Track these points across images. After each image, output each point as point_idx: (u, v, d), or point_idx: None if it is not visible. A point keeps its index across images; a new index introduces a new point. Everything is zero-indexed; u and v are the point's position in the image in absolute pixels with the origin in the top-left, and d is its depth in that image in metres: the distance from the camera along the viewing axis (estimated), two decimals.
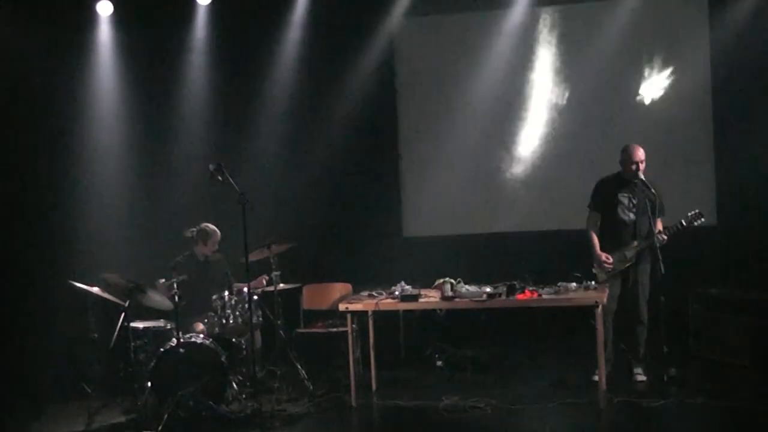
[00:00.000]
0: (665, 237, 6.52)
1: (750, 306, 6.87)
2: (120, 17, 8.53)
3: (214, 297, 6.74)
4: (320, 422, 6.25)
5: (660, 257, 6.36)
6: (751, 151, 8.26)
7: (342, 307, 6.58)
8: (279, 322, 7.11)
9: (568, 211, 8.60)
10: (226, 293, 6.77)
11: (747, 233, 8.14)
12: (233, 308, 6.72)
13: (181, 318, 6.42)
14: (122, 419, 6.42)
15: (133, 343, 6.43)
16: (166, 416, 6.05)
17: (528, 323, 7.90)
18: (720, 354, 7.01)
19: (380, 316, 6.85)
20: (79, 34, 8.44)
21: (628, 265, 6.66)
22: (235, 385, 6.53)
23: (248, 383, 6.58)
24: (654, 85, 8.70)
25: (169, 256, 7.19)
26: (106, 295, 6.58)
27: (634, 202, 6.66)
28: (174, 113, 8.84)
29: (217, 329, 6.69)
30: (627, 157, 6.67)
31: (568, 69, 8.88)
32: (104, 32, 8.58)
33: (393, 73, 9.19)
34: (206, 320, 6.75)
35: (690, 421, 5.88)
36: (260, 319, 6.95)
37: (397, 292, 6.59)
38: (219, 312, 6.71)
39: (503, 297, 6.28)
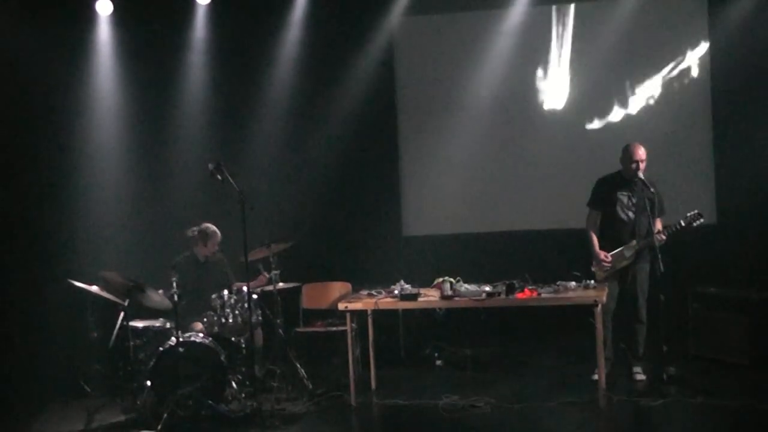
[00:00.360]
0: (664, 237, 6.52)
1: (749, 305, 6.87)
2: (120, 16, 8.52)
3: (214, 296, 6.74)
4: (320, 421, 6.25)
5: (659, 256, 6.36)
6: (750, 150, 8.27)
7: (341, 306, 6.58)
8: (278, 321, 7.10)
9: (568, 209, 8.61)
10: (226, 292, 6.77)
11: (746, 232, 8.15)
12: (233, 307, 6.72)
13: (181, 318, 6.42)
14: (122, 418, 6.41)
15: (132, 343, 6.43)
16: (165, 415, 6.05)
17: (527, 322, 7.90)
18: (719, 353, 7.01)
19: (380, 315, 6.85)
20: (78, 33, 8.44)
21: (627, 264, 6.66)
22: (234, 385, 6.52)
23: (248, 382, 6.58)
24: (653, 84, 8.71)
25: (168, 255, 7.20)
26: (105, 294, 6.58)
27: (634, 201, 6.66)
28: (173, 112, 8.85)
29: (216, 328, 6.69)
30: (627, 156, 6.67)
31: (568, 68, 8.88)
32: (104, 31, 8.57)
33: (392, 73, 9.19)
34: (205, 319, 6.75)
35: (689, 420, 5.88)
36: (260, 318, 6.95)
37: (396, 291, 6.58)
38: (218, 311, 6.71)
39: (502, 296, 6.28)
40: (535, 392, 6.56)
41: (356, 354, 6.88)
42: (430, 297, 6.51)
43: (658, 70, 8.69)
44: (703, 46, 8.58)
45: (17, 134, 8.03)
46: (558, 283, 6.41)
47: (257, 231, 6.75)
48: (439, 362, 7.59)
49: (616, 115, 8.79)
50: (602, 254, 6.65)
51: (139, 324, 6.70)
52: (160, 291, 6.69)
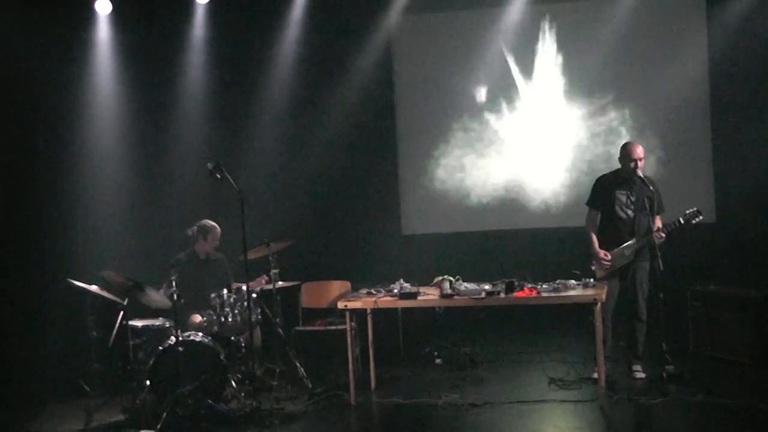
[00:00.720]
0: (664, 235, 6.51)
1: (749, 303, 6.86)
2: (119, 16, 8.54)
3: (213, 295, 6.73)
4: (319, 420, 6.25)
5: (659, 254, 6.35)
6: (749, 148, 8.28)
7: (341, 305, 6.57)
8: (278, 320, 7.10)
9: (567, 208, 8.64)
10: (225, 291, 6.76)
11: (745, 230, 8.17)
12: (232, 306, 6.71)
13: (180, 316, 6.42)
14: (121, 417, 6.40)
15: (131, 342, 6.43)
16: (164, 414, 6.04)
17: (527, 321, 7.91)
18: (719, 351, 7.00)
19: (379, 313, 6.84)
20: (77, 32, 8.46)
21: (626, 262, 6.66)
22: (234, 384, 6.52)
23: (247, 381, 6.57)
24: (652, 83, 8.71)
25: (167, 254, 7.20)
26: (104, 294, 6.57)
27: (633, 199, 6.65)
28: (173, 111, 8.85)
29: (216, 327, 6.68)
30: (626, 154, 6.66)
31: (566, 66, 8.89)
32: (103, 30, 8.59)
33: (391, 71, 9.20)
34: (205, 318, 6.75)
35: (689, 419, 5.88)
36: (259, 317, 6.94)
37: (396, 290, 6.57)
38: (218, 310, 6.71)
39: (502, 294, 6.27)
40: (534, 391, 6.56)
41: (356, 353, 6.87)
42: (429, 296, 6.50)
43: (657, 69, 8.70)
44: (702, 45, 8.58)
45: (16, 133, 8.03)
46: (558, 281, 6.40)
47: (257, 230, 6.74)
48: (438, 361, 7.59)
49: (615, 113, 8.80)
50: (602, 253, 6.65)
51: (139, 323, 6.69)
52: (160, 290, 6.70)
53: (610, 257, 6.63)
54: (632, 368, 6.75)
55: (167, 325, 6.64)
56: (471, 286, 6.45)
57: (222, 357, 6.40)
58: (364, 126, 8.98)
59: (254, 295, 6.79)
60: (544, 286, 6.36)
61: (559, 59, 8.91)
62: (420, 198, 9.26)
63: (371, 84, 8.96)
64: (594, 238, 6.75)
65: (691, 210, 6.59)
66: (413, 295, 6.47)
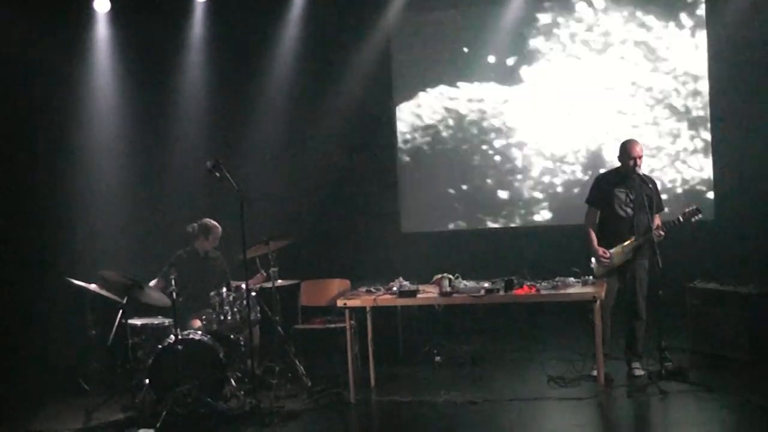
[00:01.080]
0: (663, 233, 6.51)
1: (747, 300, 6.87)
2: (117, 14, 8.53)
3: (212, 294, 6.73)
4: (319, 418, 6.24)
5: (658, 252, 6.36)
6: (748, 146, 8.29)
7: (340, 303, 6.57)
8: (277, 318, 7.10)
9: (567, 206, 8.64)
10: (224, 290, 6.76)
11: (744, 228, 8.17)
12: (231, 305, 6.71)
13: (179, 314, 6.41)
14: (120, 416, 6.39)
15: (131, 340, 6.43)
16: (164, 413, 6.03)
17: (526, 318, 7.91)
18: (718, 348, 7.01)
19: (378, 312, 6.85)
20: (76, 30, 8.45)
21: (625, 260, 6.66)
22: (233, 382, 6.52)
23: (246, 380, 6.57)
24: (652, 81, 8.71)
25: (167, 253, 7.19)
26: (104, 292, 6.57)
27: (632, 197, 6.65)
28: (172, 110, 8.86)
29: (215, 326, 6.69)
30: (625, 152, 6.66)
31: (566, 65, 8.90)
32: (102, 29, 8.58)
33: (390, 69, 9.20)
34: (204, 317, 6.75)
35: (688, 416, 5.87)
36: (258, 315, 6.95)
37: (395, 288, 6.57)
38: (217, 309, 6.71)
39: (501, 292, 6.27)
40: (533, 388, 6.56)
41: (355, 351, 6.87)
42: (428, 294, 6.50)
43: (656, 66, 8.70)
44: (702, 43, 8.59)
45: (15, 132, 8.03)
46: (557, 279, 6.40)
47: (256, 228, 6.74)
48: (438, 359, 7.58)
49: (615, 111, 8.80)
50: (601, 250, 6.65)
51: (138, 322, 6.69)
52: (156, 280, 6.69)
53: (609, 255, 6.63)
54: (631, 366, 6.75)
55: (166, 324, 6.63)
56: (470, 283, 6.45)
57: (221, 355, 6.40)
58: (364, 124, 8.98)
59: (253, 294, 6.79)
60: (543, 283, 6.37)
61: (558, 57, 8.91)
62: (419, 196, 9.26)
63: (370, 82, 8.96)
64: (593, 235, 6.75)
65: (690, 208, 6.59)
66: (412, 293, 6.47)
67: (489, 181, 9.09)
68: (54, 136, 8.34)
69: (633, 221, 6.65)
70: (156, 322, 6.73)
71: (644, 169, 6.74)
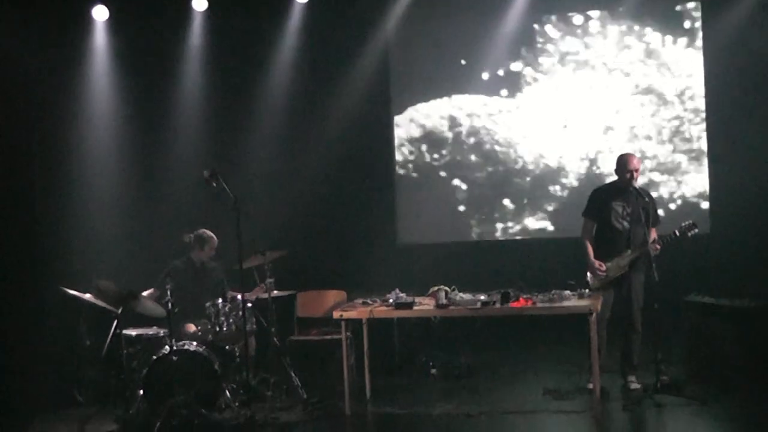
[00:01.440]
0: (659, 246, 6.52)
1: (743, 314, 6.88)
2: (116, 22, 8.53)
3: (208, 304, 6.72)
4: (314, 430, 6.24)
5: (654, 266, 6.37)
6: (744, 159, 8.30)
7: (336, 314, 6.56)
8: (273, 329, 7.09)
9: (563, 218, 8.66)
10: (220, 300, 6.75)
11: (740, 241, 8.17)
12: (227, 315, 6.70)
13: (175, 325, 6.39)
14: (114, 427, 6.35)
15: (125, 351, 6.40)
16: (158, 424, 6.02)
17: (522, 331, 7.90)
18: (713, 362, 7.00)
19: (374, 323, 6.83)
20: (75, 38, 8.45)
21: (622, 273, 6.66)
22: (228, 393, 6.49)
23: (241, 391, 6.55)
24: (649, 94, 8.74)
25: (162, 262, 7.18)
26: (98, 302, 6.55)
27: (628, 210, 6.67)
28: (169, 119, 8.85)
29: (210, 336, 6.67)
30: (622, 165, 6.68)
31: (562, 77, 8.92)
32: (100, 37, 8.59)
33: (388, 80, 9.22)
34: (199, 327, 6.73)
35: (683, 429, 5.88)
36: (254, 326, 6.93)
37: (391, 300, 6.57)
38: (213, 319, 6.70)
39: (497, 305, 6.27)
40: (529, 401, 6.55)
41: (351, 362, 6.86)
42: (425, 306, 6.50)
43: (652, 78, 8.74)
44: (697, 54, 8.63)
45: (12, 139, 8.00)
46: (553, 291, 6.40)
47: (253, 238, 6.73)
48: (433, 371, 7.57)
49: (611, 124, 8.83)
50: (597, 263, 6.66)
51: (133, 332, 6.67)
52: (151, 290, 6.67)
53: (605, 268, 6.64)
54: (627, 379, 6.75)
55: (161, 334, 6.62)
56: (466, 296, 6.45)
57: (216, 366, 6.38)
58: (361, 135, 8.98)
59: (249, 305, 6.78)
60: (539, 296, 6.37)
61: (555, 69, 8.93)
62: (415, 208, 9.26)
63: (368, 93, 8.97)
64: (590, 248, 6.76)
65: (686, 223, 6.61)
66: (409, 305, 6.46)
67: (486, 193, 9.10)
68: (51, 143, 8.32)
69: (629, 234, 6.67)
70: (151, 332, 6.71)
71: (640, 182, 6.75)
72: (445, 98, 9.12)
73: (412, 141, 9.24)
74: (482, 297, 6.37)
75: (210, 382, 6.31)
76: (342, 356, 6.55)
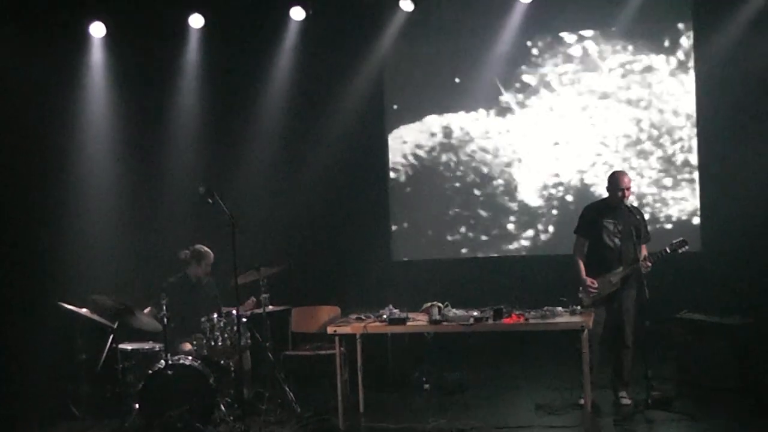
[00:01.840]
0: (650, 263, 6.58)
1: (734, 331, 6.93)
2: (113, 39, 8.59)
3: (203, 319, 6.74)
4: None
5: (645, 282, 6.43)
6: (735, 177, 8.36)
7: (330, 329, 6.61)
8: (267, 344, 7.11)
9: (555, 235, 8.72)
10: (215, 315, 6.78)
11: (731, 259, 8.22)
12: (222, 330, 6.72)
13: (170, 339, 6.42)
14: None
15: (121, 365, 6.43)
16: None
17: (515, 347, 7.94)
18: (704, 378, 7.05)
19: (368, 339, 6.87)
20: (72, 55, 8.50)
21: (613, 290, 6.72)
22: (222, 407, 6.51)
23: (236, 405, 6.57)
24: (640, 112, 8.83)
25: (158, 277, 7.21)
26: (94, 317, 6.57)
27: (620, 228, 6.73)
28: (165, 135, 8.89)
29: (205, 351, 6.69)
30: (613, 183, 6.75)
31: (556, 98, 9.00)
32: (97, 53, 8.64)
33: (382, 98, 9.28)
34: (194, 342, 6.76)
35: None
36: (249, 341, 6.96)
37: (385, 316, 6.60)
38: (207, 334, 6.71)
39: (490, 321, 6.32)
40: (521, 416, 6.58)
41: (345, 377, 6.88)
42: (418, 321, 6.54)
43: (643, 98, 8.83)
44: (689, 74, 8.72)
45: (8, 155, 8.05)
46: (545, 308, 6.45)
47: (246, 254, 6.77)
48: (427, 386, 7.60)
49: (604, 142, 8.91)
50: (589, 280, 6.71)
51: (128, 346, 6.69)
52: (148, 309, 6.71)
53: (597, 285, 6.69)
54: (618, 394, 6.79)
55: (157, 349, 6.64)
56: (459, 312, 6.48)
57: (211, 381, 6.41)
58: (355, 152, 9.03)
59: (244, 320, 6.81)
60: (531, 312, 6.42)
61: (548, 90, 9.01)
62: (410, 224, 9.32)
63: (363, 110, 9.02)
64: (581, 265, 6.81)
65: (677, 240, 6.67)
66: (402, 321, 6.50)
67: (479, 210, 9.16)
68: (48, 158, 8.36)
69: (621, 251, 6.72)
70: (146, 346, 6.73)
71: (631, 199, 6.83)
72: (439, 116, 9.20)
73: (406, 158, 9.31)
74: (475, 313, 6.42)
75: (205, 397, 6.33)
76: (336, 371, 6.57)
